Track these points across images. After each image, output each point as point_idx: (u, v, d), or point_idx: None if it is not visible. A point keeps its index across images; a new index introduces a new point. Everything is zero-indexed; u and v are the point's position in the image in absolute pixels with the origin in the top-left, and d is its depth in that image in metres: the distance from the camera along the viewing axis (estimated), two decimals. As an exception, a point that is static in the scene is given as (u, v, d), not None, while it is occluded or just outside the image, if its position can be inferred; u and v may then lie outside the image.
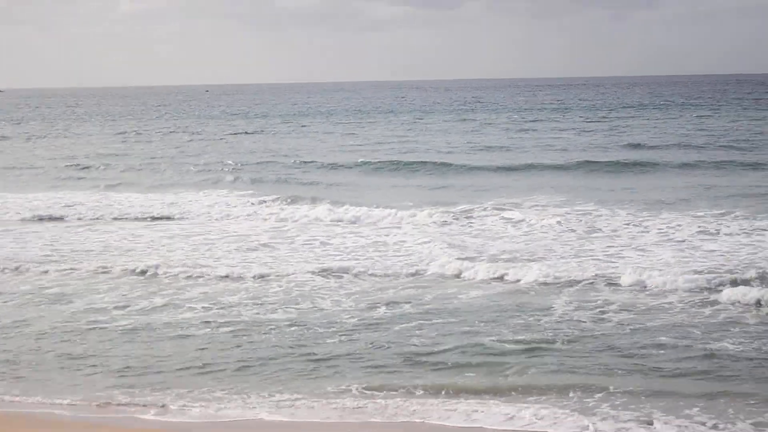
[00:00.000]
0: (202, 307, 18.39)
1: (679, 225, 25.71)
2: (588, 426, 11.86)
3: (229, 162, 47.85)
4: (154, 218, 30.51)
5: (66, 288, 20.38)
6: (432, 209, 29.29)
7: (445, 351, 15.00)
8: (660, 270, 20.30)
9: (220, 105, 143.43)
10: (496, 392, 13.11)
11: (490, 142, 57.62)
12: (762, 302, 17.48)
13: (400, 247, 24.17)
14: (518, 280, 20.03)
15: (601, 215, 27.84)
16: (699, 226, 25.42)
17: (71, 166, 49.20)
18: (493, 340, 15.52)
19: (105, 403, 13.24)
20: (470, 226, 27.20)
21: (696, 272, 20.00)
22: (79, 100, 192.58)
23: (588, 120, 78.50)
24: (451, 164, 44.23)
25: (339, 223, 28.46)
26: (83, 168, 48.10)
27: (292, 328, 16.69)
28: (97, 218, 30.83)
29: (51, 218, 30.95)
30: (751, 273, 19.61)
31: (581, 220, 26.98)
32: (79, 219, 30.78)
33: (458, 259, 22.03)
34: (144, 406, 13.07)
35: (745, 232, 24.65)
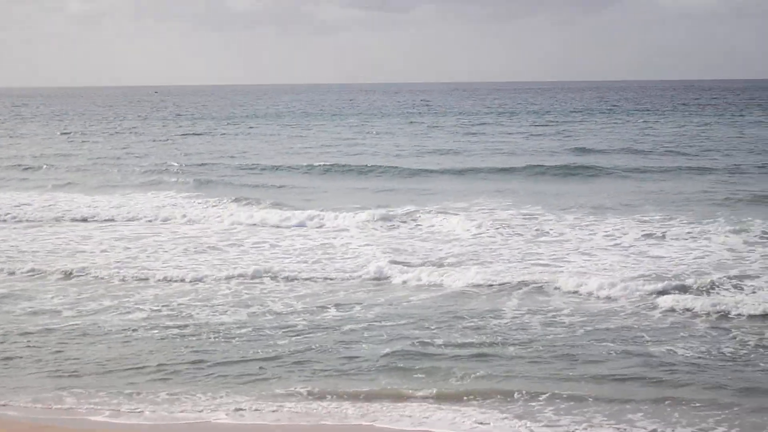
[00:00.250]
0: (152, 309, 18.34)
1: (625, 229, 25.86)
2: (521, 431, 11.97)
3: (176, 163, 47.64)
4: (102, 220, 30.26)
5: (13, 289, 20.24)
6: (379, 212, 29.32)
7: (392, 355, 15.00)
8: (606, 275, 20.43)
9: (168, 106, 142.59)
10: (443, 396, 13.14)
11: (438, 145, 57.74)
12: (707, 308, 17.59)
13: (347, 250, 24.19)
14: (465, 284, 20.06)
15: (547, 219, 27.96)
16: (645, 231, 25.59)
17: (16, 166, 48.71)
18: (441, 344, 15.56)
19: (54, 404, 13.17)
20: (417, 230, 27.25)
21: (642, 277, 20.11)
22: (26, 101, 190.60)
23: (535, 124, 78.94)
24: (398, 167, 44.27)
25: (287, 226, 28.36)
26: (28, 168, 47.64)
27: (242, 331, 16.67)
28: (45, 219, 30.54)
29: (-4, 219, 30.57)
30: (697, 278, 19.74)
31: (528, 224, 27.09)
32: (27, 220, 30.49)
33: (404, 263, 22.07)
34: (94, 408, 13.02)
35: (691, 237, 24.86)
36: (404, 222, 28.23)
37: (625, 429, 12.00)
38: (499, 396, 13.10)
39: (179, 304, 18.74)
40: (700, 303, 17.88)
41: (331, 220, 28.58)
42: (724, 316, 17.17)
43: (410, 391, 13.32)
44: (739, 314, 17.19)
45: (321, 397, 13.25)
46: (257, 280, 20.89)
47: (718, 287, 19.05)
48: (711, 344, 15.47)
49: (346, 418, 12.57)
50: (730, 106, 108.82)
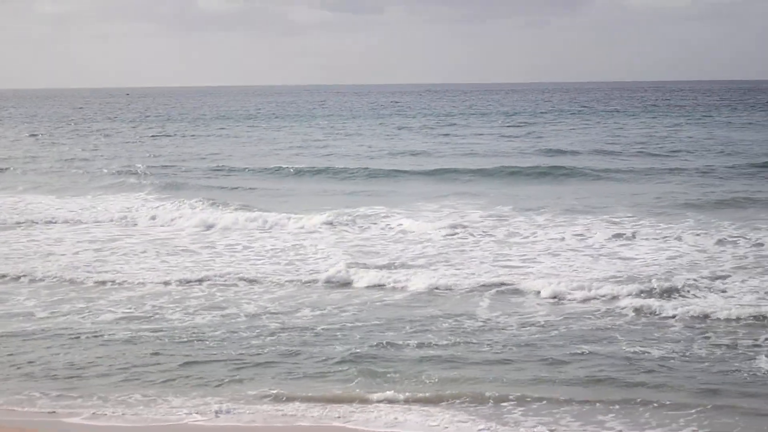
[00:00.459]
0: (124, 312, 18.29)
1: (595, 231, 25.87)
2: (484, 432, 11.99)
3: (146, 165, 47.45)
4: (73, 222, 30.08)
5: (-16, 292, 20.09)
6: (349, 214, 29.30)
7: (364, 356, 14.99)
8: (577, 276, 20.49)
9: (139, 108, 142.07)
10: (414, 398, 13.11)
11: (409, 146, 57.74)
12: (679, 309, 17.58)
13: (317, 252, 24.14)
14: (436, 286, 20.01)
15: (518, 220, 28.00)
16: (616, 232, 25.62)
17: (-18, 169, 48.32)
18: (412, 346, 15.54)
19: (28, 407, 13.13)
20: (388, 231, 27.18)
21: (613, 278, 20.17)
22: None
23: (506, 125, 79.08)
24: (368, 169, 44.20)
25: (258, 228, 28.26)
26: (-6, 171, 47.27)
27: (216, 333, 16.65)
28: (14, 222, 30.32)
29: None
30: (669, 279, 19.79)
31: (499, 226, 27.10)
32: (-2, 222, 30.24)
33: (375, 265, 22.07)
34: (69, 410, 12.98)
35: (662, 238, 24.89)
36: (374, 223, 28.18)
37: (594, 430, 12.01)
38: (469, 398, 13.08)
39: (152, 307, 18.68)
40: (671, 304, 17.90)
41: (301, 222, 28.45)
42: (696, 317, 17.17)
43: (381, 393, 13.28)
44: (710, 316, 17.17)
45: (294, 398, 13.22)
46: (230, 282, 20.82)
47: (690, 288, 19.08)
48: (683, 345, 15.48)
49: (321, 419, 12.57)
50: (699, 106, 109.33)
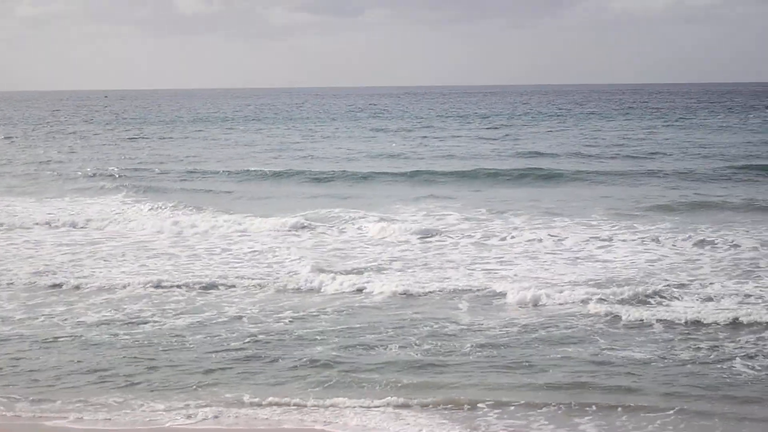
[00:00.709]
0: (104, 315, 18.18)
1: (574, 234, 25.80)
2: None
3: (124, 168, 47.31)
4: (50, 225, 29.82)
5: (-39, 296, 19.97)
6: (326, 217, 29.30)
7: (342, 361, 14.90)
8: (555, 280, 20.43)
9: (116, 110, 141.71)
10: (391, 403, 13.05)
11: (386, 149, 57.71)
12: (658, 313, 17.47)
13: (296, 255, 23.94)
14: (413, 290, 19.85)
15: (496, 223, 27.95)
16: (594, 235, 25.59)
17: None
18: (390, 350, 15.47)
19: (7, 411, 13.09)
20: (365, 234, 27.06)
21: (592, 281, 20.12)
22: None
23: (485, 128, 79.12)
24: (346, 172, 44.05)
25: (236, 230, 28.09)
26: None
27: (196, 336, 16.55)
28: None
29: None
30: (648, 283, 19.75)
31: (476, 229, 27.00)
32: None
33: (353, 269, 22.01)
34: (48, 414, 12.93)
35: (641, 241, 24.80)
36: (352, 226, 28.03)
37: (567, 434, 11.97)
38: (445, 402, 13.01)
39: (132, 310, 18.59)
40: (648, 308, 17.83)
41: (278, 225, 28.28)
42: (674, 321, 17.05)
43: (357, 399, 13.22)
44: (689, 319, 17.06)
45: (273, 403, 13.16)
46: (210, 285, 20.68)
47: (668, 292, 19.00)
48: (661, 349, 15.41)
49: (303, 422, 12.55)
50: (676, 109, 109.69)
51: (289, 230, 27.81)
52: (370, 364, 14.79)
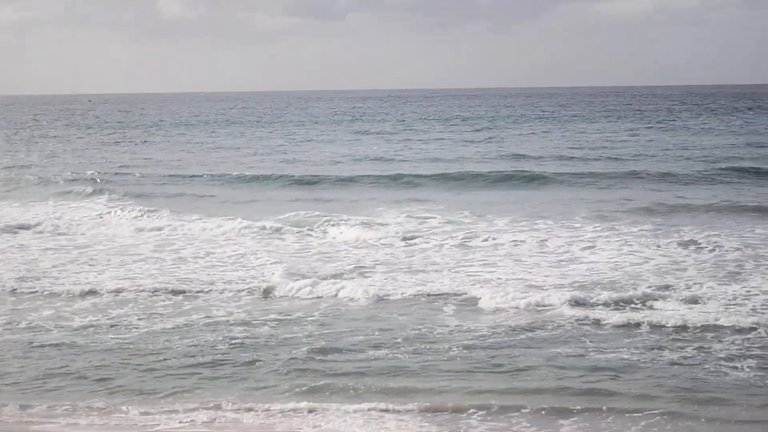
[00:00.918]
0: (90, 320, 18.09)
1: (557, 236, 25.76)
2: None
3: (106, 172, 47.07)
4: (32, 229, 29.56)
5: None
6: (309, 221, 29.16)
7: (324, 366, 14.84)
8: (539, 283, 20.40)
9: (99, 114, 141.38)
10: (375, 408, 12.97)
11: (370, 152, 57.63)
12: (642, 316, 17.43)
13: (281, 259, 23.87)
14: (396, 294, 19.75)
15: (480, 226, 27.85)
16: (578, 237, 25.56)
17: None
18: (374, 355, 15.38)
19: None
20: (348, 237, 26.91)
21: (576, 284, 20.08)
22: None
23: (468, 130, 79.15)
24: (329, 176, 43.87)
25: (221, 234, 27.97)
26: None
27: (184, 341, 16.49)
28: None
29: None
30: (632, 285, 19.72)
31: (460, 232, 26.90)
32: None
33: (335, 272, 21.93)
34: (33, 419, 12.89)
35: (625, 242, 24.75)
36: (335, 229, 27.92)
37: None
38: (428, 406, 12.95)
39: (118, 314, 18.51)
40: (634, 310, 17.80)
41: (262, 229, 28.20)
42: (660, 323, 16.99)
43: (342, 403, 13.20)
44: (674, 323, 16.98)
45: (258, 407, 13.10)
46: (195, 290, 20.57)
47: (654, 294, 18.96)
48: (646, 352, 15.34)
49: (286, 426, 12.50)
50: (658, 111, 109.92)
51: (271, 234, 27.73)
52: (353, 368, 14.71)
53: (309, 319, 18.01)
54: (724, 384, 13.72)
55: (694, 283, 19.95)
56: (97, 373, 14.76)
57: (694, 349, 15.42)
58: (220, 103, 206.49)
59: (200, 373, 14.65)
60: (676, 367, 14.56)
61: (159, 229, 29.22)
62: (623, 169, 43.89)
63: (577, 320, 17.41)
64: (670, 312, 17.54)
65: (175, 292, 20.38)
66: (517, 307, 18.45)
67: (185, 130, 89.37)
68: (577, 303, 18.40)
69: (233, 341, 16.39)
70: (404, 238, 26.13)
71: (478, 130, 78.60)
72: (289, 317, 18.16)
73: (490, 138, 68.31)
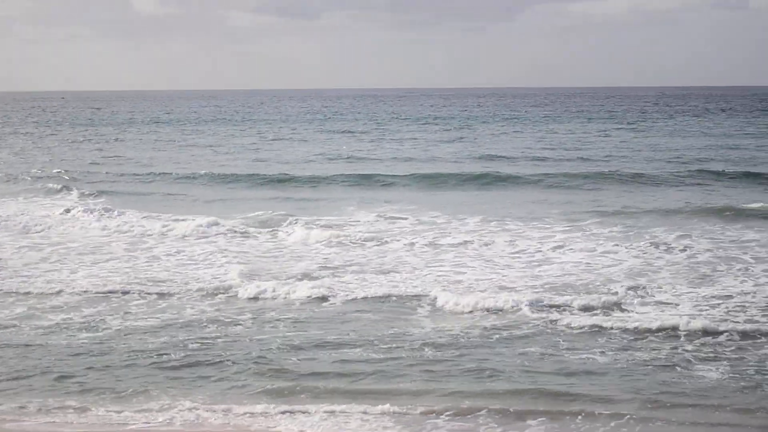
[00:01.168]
0: (63, 319, 17.99)
1: (529, 238, 25.70)
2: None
3: (77, 169, 46.90)
4: (3, 227, 29.33)
5: None
6: (279, 221, 29.04)
7: (297, 367, 14.76)
8: (510, 285, 20.33)
9: (72, 111, 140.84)
10: (343, 411, 12.92)
11: (342, 152, 57.56)
12: (614, 319, 17.37)
13: (251, 259, 23.77)
14: (366, 296, 19.63)
15: (451, 227, 27.81)
16: (550, 239, 25.49)
17: None
18: (346, 357, 15.31)
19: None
20: (319, 238, 26.71)
21: (547, 285, 20.04)
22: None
23: (441, 130, 79.25)
24: (301, 176, 43.67)
25: (192, 233, 27.73)
26: None
27: (158, 339, 16.41)
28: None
29: None
30: (605, 287, 19.72)
31: (431, 232, 26.87)
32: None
33: (306, 272, 21.82)
34: (11, 416, 12.86)
35: (597, 244, 24.71)
36: (305, 228, 27.72)
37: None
38: (395, 409, 12.87)
39: (91, 313, 18.41)
40: (607, 312, 17.75)
41: (233, 229, 28.03)
42: (633, 326, 16.90)
43: (310, 404, 13.15)
44: (645, 325, 16.88)
45: (227, 409, 13.05)
46: (168, 288, 20.46)
47: (626, 297, 18.94)
48: (618, 355, 15.29)
49: (253, 427, 12.48)
50: (629, 112, 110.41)
51: (237, 233, 27.55)
52: (323, 369, 14.64)
53: (280, 320, 17.89)
54: (695, 386, 13.69)
55: (666, 283, 19.98)
56: (69, 371, 14.67)
57: (665, 351, 15.39)
58: (193, 101, 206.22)
59: (167, 375, 14.55)
60: (649, 368, 14.53)
61: (127, 227, 29.02)
62: (594, 169, 43.98)
63: (547, 322, 17.34)
64: (641, 314, 17.53)
65: (148, 291, 20.27)
66: (486, 309, 18.34)
67: (157, 128, 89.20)
68: (547, 305, 18.32)
69: (202, 342, 16.25)
70: (375, 238, 26.00)
71: (450, 130, 78.70)
72: (259, 317, 18.07)
73: (463, 138, 68.45)
